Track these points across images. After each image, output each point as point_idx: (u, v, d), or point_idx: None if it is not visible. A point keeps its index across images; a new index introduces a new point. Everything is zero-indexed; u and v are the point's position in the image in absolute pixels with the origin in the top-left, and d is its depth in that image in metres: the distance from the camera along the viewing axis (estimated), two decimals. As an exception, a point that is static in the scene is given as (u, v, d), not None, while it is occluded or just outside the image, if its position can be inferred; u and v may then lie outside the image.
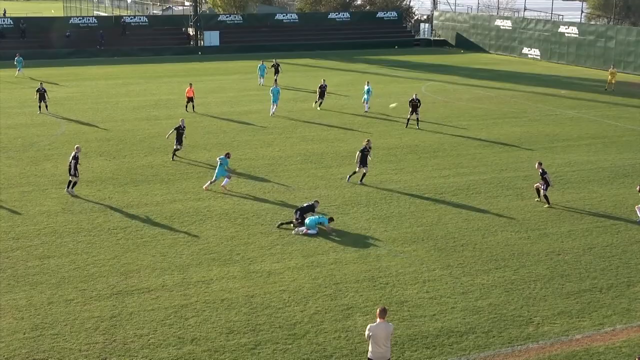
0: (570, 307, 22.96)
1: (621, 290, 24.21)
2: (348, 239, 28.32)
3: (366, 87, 53.76)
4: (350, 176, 35.78)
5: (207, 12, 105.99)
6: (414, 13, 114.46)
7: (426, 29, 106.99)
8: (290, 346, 20.46)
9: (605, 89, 64.57)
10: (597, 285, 24.59)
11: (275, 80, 63.71)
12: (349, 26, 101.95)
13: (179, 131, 39.18)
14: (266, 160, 39.55)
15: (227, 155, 34.48)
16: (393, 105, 37.98)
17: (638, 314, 22.63)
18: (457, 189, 34.91)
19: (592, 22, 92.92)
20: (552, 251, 27.36)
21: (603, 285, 24.60)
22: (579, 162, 39.86)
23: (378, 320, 17.99)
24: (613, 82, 64.74)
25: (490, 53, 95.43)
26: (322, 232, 28.76)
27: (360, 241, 28.13)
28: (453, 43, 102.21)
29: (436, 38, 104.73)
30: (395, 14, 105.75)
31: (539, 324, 21.91)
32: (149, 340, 20.64)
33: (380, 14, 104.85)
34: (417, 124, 48.10)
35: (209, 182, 34.41)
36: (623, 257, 26.97)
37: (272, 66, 65.99)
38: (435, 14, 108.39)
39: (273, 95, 51.37)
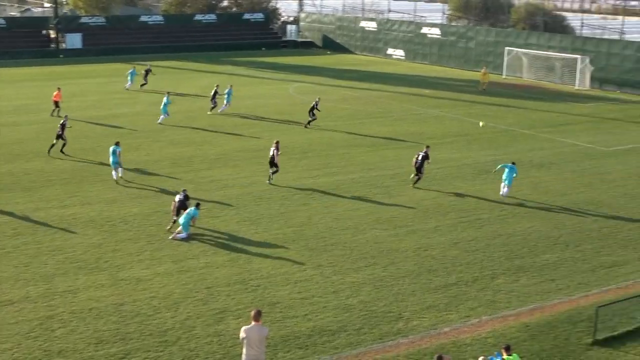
0: (438, 301, 23.53)
1: (486, 283, 25.00)
2: (218, 242, 28.10)
3: (227, 90, 53.72)
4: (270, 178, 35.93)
5: (69, 13, 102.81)
6: (280, 15, 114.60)
7: (293, 31, 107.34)
8: (161, 353, 20.12)
9: (484, 89, 66.16)
10: (463, 278, 25.31)
11: (141, 85, 62.92)
12: (216, 28, 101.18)
13: (62, 127, 40.64)
14: (133, 164, 38.70)
15: (117, 143, 35.82)
16: (482, 124, 38.95)
17: (502, 305, 23.44)
18: (327, 189, 35.21)
19: (453, 24, 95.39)
20: (420, 247, 27.98)
21: (469, 278, 25.34)
22: (444, 159, 40.92)
23: (252, 323, 17.93)
24: (485, 81, 66.56)
25: (356, 54, 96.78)
26: (193, 236, 28.43)
27: (230, 244, 27.96)
28: (320, 44, 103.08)
29: (303, 39, 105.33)
30: (261, 15, 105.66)
31: (408, 318, 22.36)
32: (12, 354, 19.85)
33: (246, 16, 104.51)
34: (309, 123, 49.11)
35: (117, 172, 35.65)
36: (487, 250, 27.86)
37: (145, 70, 64.93)
38: (302, 15, 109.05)
39: (164, 105, 49.69)
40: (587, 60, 69.35)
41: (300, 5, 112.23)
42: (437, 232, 29.72)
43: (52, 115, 50.77)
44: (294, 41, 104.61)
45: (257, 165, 39.03)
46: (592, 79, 69.35)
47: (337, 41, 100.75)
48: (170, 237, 28.37)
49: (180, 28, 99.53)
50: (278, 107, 56.11)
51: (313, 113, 49.28)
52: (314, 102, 49.88)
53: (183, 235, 28.33)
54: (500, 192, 34.20)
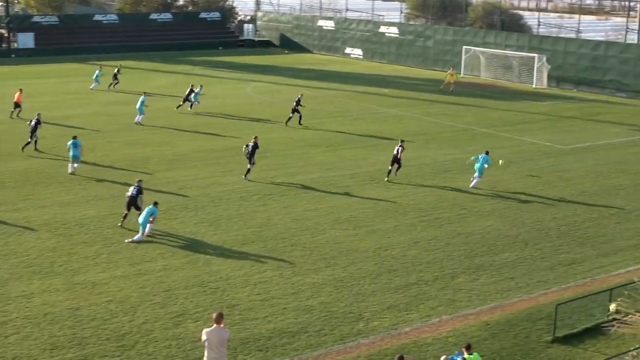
0: (398, 301, 23.46)
1: (446, 282, 24.99)
2: (176, 245, 27.75)
3: (196, 90, 53.56)
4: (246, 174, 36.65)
5: (20, 12, 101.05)
6: (237, 13, 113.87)
7: (250, 30, 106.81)
8: (119, 358, 19.81)
9: (448, 89, 65.76)
10: (423, 278, 25.27)
11: (110, 84, 62.72)
12: (172, 27, 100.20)
13: (35, 125, 40.78)
14: (88, 166, 38.11)
15: (75, 137, 36.74)
16: (502, 162, 39.80)
17: (462, 304, 23.46)
18: (285, 189, 34.98)
19: (411, 22, 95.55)
20: (380, 247, 27.90)
21: (429, 278, 25.31)
22: (403, 158, 40.75)
23: (214, 325, 17.80)
24: (452, 82, 66.52)
25: (314, 53, 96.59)
26: (150, 238, 28.04)
27: (189, 246, 27.63)
28: (277, 43, 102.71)
29: (260, 39, 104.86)
30: (218, 14, 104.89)
31: (369, 319, 22.27)
32: (-36, 362, 19.37)
33: (203, 15, 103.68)
34: (289, 120, 49.30)
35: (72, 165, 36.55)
36: (446, 249, 27.87)
37: (116, 70, 64.54)
38: (259, 14, 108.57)
39: (139, 104, 49.14)
40: (544, 58, 69.93)
41: (257, 4, 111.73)
42: (396, 231, 29.66)
43: (11, 117, 49.84)
44: (252, 40, 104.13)
45: (216, 166, 38.71)
46: (550, 77, 69.93)
47: (295, 40, 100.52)
48: (127, 241, 27.92)
49: (135, 27, 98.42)
50: (236, 107, 55.72)
51: (297, 110, 49.27)
52: (296, 99, 49.87)
53: (138, 236, 27.94)
54: (471, 185, 35.47)
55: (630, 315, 19.99)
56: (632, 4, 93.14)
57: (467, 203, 33.34)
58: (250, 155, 36.20)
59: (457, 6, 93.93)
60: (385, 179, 36.44)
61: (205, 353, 17.81)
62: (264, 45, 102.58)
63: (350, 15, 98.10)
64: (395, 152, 36.59)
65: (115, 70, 64.66)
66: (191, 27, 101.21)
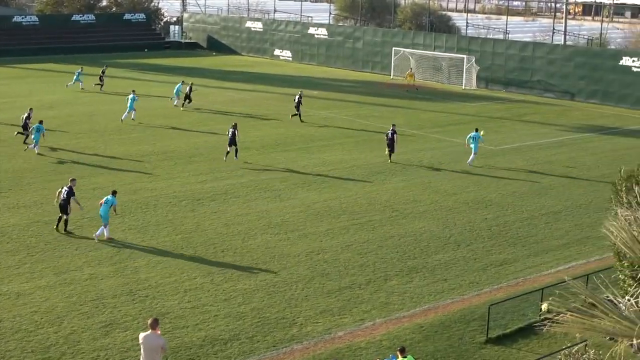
0: (331, 305, 23.25)
1: (379, 285, 24.86)
2: (103, 253, 27.01)
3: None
4: (226, 156, 39.91)
5: None
6: (162, 15, 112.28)
7: (176, 31, 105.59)
8: (43, 372, 19.11)
9: (407, 91, 66.30)
10: (356, 281, 25.10)
11: (97, 84, 62.89)
12: (95, 28, 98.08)
13: (26, 120, 42.99)
14: (10, 173, 36.97)
15: (41, 122, 40.44)
16: (482, 132, 40.49)
17: (396, 306, 23.38)
18: (215, 193, 34.45)
19: (340, 24, 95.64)
20: (312, 251, 27.65)
21: (362, 281, 25.14)
22: (334, 161, 40.73)
23: (149, 330, 17.57)
24: (413, 82, 66.73)
25: (242, 55, 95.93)
26: (76, 246, 27.23)
27: (116, 254, 26.92)
28: (205, 45, 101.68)
29: (187, 40, 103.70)
30: (143, 15, 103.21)
31: (302, 324, 22.02)
32: None
33: (127, 16, 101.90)
34: (296, 117, 51.51)
35: (33, 146, 40.26)
36: (379, 252, 27.74)
37: (102, 71, 64.67)
38: (185, 15, 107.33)
39: (129, 102, 49.54)
40: (473, 60, 70.59)
41: (184, 5, 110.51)
42: (328, 235, 29.43)
43: None
44: (178, 42, 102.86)
45: (142, 171, 37.90)
46: (479, 78, 70.58)
47: (223, 42, 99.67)
48: (96, 240, 27.69)
49: (57, 29, 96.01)
50: (162, 111, 54.81)
51: (298, 107, 51.07)
52: (297, 97, 51.61)
53: (101, 230, 27.82)
54: (468, 161, 40.04)
55: (562, 315, 20.14)
56: (558, 5, 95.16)
57: (399, 205, 33.31)
58: (231, 141, 39.35)
59: (385, 7, 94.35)
60: (388, 160, 40.28)
61: (141, 358, 17.70)
62: (191, 47, 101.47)
63: (278, 16, 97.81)
64: (387, 137, 40.45)
65: (101, 71, 64.68)
66: (115, 29, 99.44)
